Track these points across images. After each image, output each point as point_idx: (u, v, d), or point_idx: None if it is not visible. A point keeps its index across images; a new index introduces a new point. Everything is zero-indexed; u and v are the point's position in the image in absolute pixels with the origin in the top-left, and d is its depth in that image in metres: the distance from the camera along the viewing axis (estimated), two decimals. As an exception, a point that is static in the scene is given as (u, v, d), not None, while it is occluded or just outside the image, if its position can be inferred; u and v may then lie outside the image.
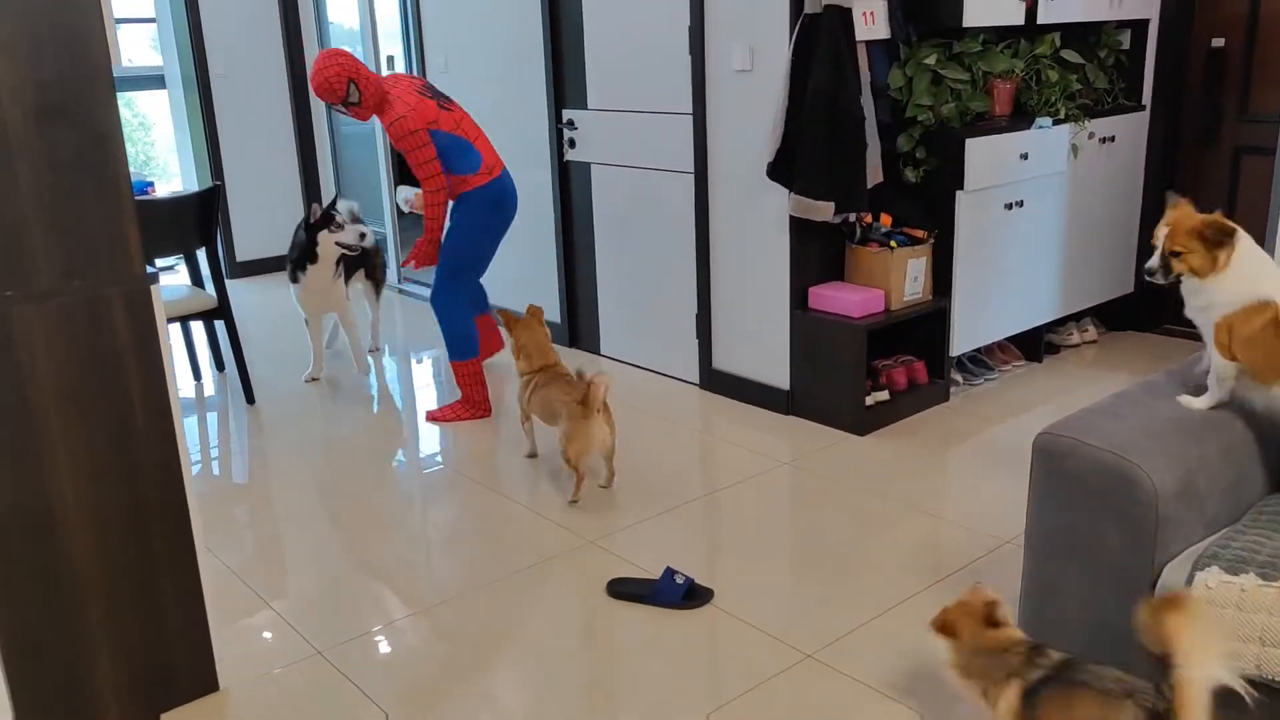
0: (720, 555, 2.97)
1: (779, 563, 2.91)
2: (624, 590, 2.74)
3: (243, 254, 6.59)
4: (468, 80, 5.16)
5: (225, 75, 6.36)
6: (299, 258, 4.30)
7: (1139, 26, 4.46)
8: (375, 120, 6.11)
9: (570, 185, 4.75)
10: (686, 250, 4.24)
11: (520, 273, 5.13)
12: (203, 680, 2.35)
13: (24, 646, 2.07)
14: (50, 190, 1.93)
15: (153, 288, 2.08)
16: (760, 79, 3.75)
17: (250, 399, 4.34)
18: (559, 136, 4.70)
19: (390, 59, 7.71)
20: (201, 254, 4.61)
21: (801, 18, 3.52)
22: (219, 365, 4.81)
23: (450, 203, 3.91)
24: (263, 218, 6.62)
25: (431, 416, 4.08)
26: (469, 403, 4.05)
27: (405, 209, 4.26)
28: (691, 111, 4.04)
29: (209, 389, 4.60)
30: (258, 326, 5.50)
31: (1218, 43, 4.42)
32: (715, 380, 4.24)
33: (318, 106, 6.65)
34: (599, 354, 4.81)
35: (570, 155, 4.69)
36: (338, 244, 4.28)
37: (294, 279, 4.34)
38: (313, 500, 3.42)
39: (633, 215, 4.47)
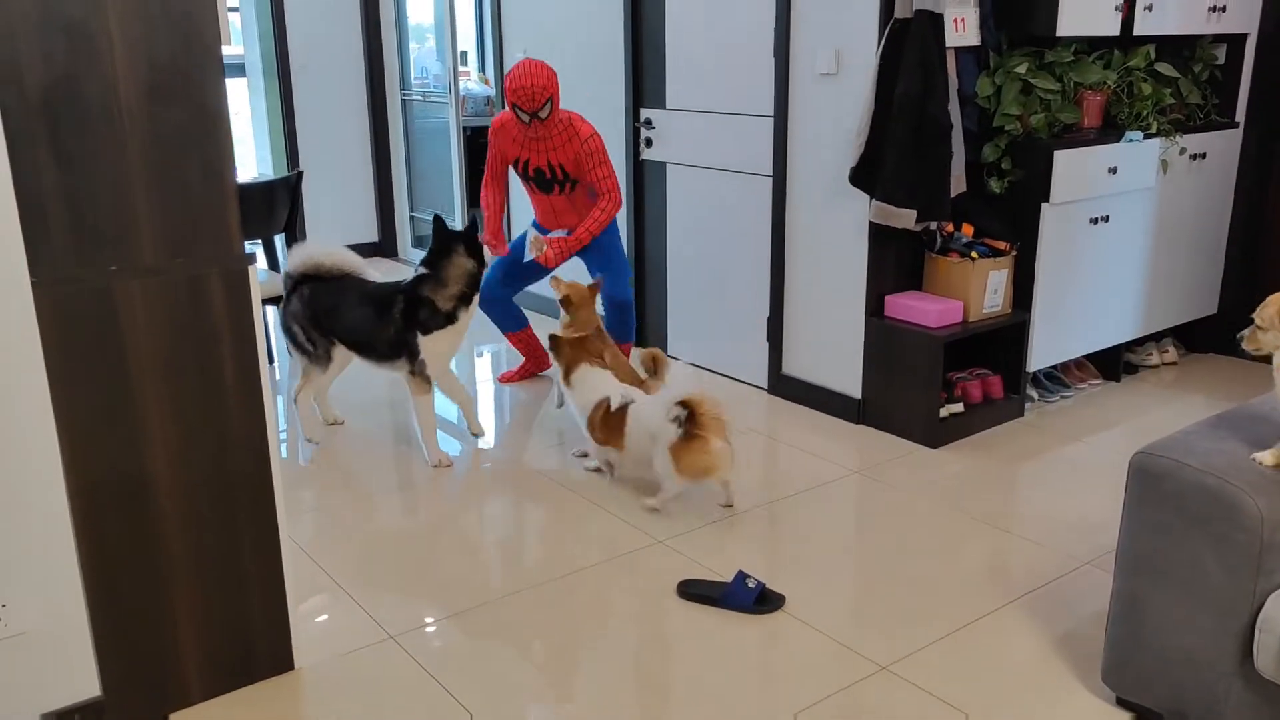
0: (790, 561, 2.93)
1: (850, 572, 2.87)
2: (695, 592, 2.72)
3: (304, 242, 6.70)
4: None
5: (305, 66, 6.46)
6: (430, 315, 3.49)
7: (1236, 41, 4.34)
8: (451, 119, 6.17)
9: (644, 184, 4.74)
10: (760, 253, 4.21)
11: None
12: (280, 658, 2.37)
13: (113, 615, 2.11)
14: (158, 169, 1.97)
15: (250, 268, 2.11)
16: (845, 83, 3.71)
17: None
18: (635, 135, 4.70)
19: (464, 54, 7.79)
20: (279, 241, 4.69)
21: (891, 22, 3.48)
22: (269, 357, 4.87)
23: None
24: (334, 210, 6.71)
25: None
26: None
27: (534, 254, 4.04)
28: (773, 114, 4.01)
29: (278, 373, 4.67)
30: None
31: (1318, 60, 4.28)
32: (784, 386, 4.20)
33: (394, 102, 6.72)
34: (666, 353, 4.78)
35: (646, 154, 4.68)
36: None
37: (425, 330, 3.50)
38: (376, 486, 3.45)
39: (707, 216, 4.45)
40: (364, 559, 2.96)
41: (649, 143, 4.65)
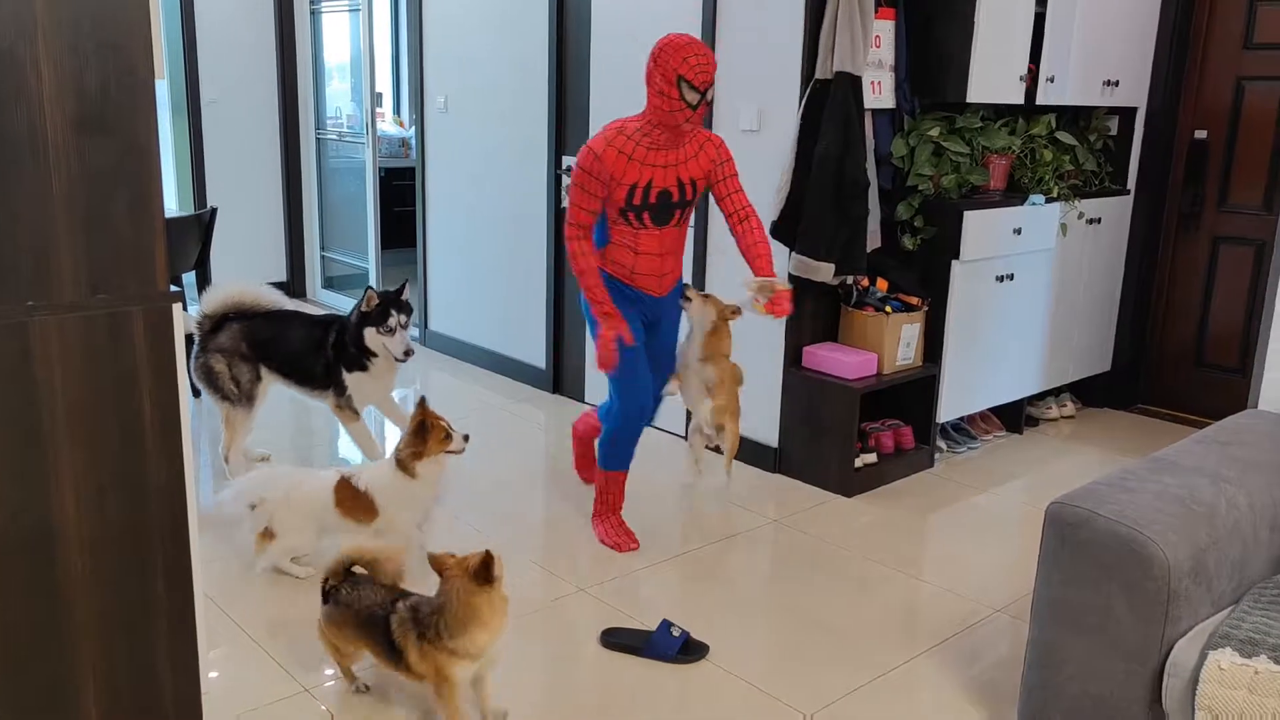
0: (712, 610, 2.94)
1: (772, 620, 2.90)
2: (618, 641, 2.70)
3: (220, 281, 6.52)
4: (466, 122, 5.18)
5: (216, 101, 6.33)
6: (356, 356, 3.55)
7: (1127, 114, 4.61)
8: (368, 159, 6.12)
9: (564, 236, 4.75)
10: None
11: (506, 316, 5.12)
12: (188, 711, 2.26)
13: (8, 663, 1.99)
14: (83, 201, 1.90)
15: (175, 306, 2.05)
16: (768, 139, 3.81)
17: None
18: (557, 183, 4.72)
19: (379, 96, 7.76)
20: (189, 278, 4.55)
21: (812, 82, 3.60)
22: (195, 392, 4.71)
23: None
24: (243, 249, 6.55)
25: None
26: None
27: (761, 302, 3.07)
28: (695, 167, 4.08)
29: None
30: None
31: (1200, 134, 4.58)
32: (702, 434, 4.23)
33: (308, 140, 6.63)
34: (583, 401, 4.79)
35: (567, 204, 4.70)
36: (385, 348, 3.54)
37: (349, 368, 3.58)
38: (295, 533, 3.35)
39: (627, 265, 4.48)
40: (276, 607, 2.86)
41: (571, 190, 4.67)
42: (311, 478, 3.00)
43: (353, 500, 2.93)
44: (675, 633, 2.66)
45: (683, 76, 2.86)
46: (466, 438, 2.95)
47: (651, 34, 4.18)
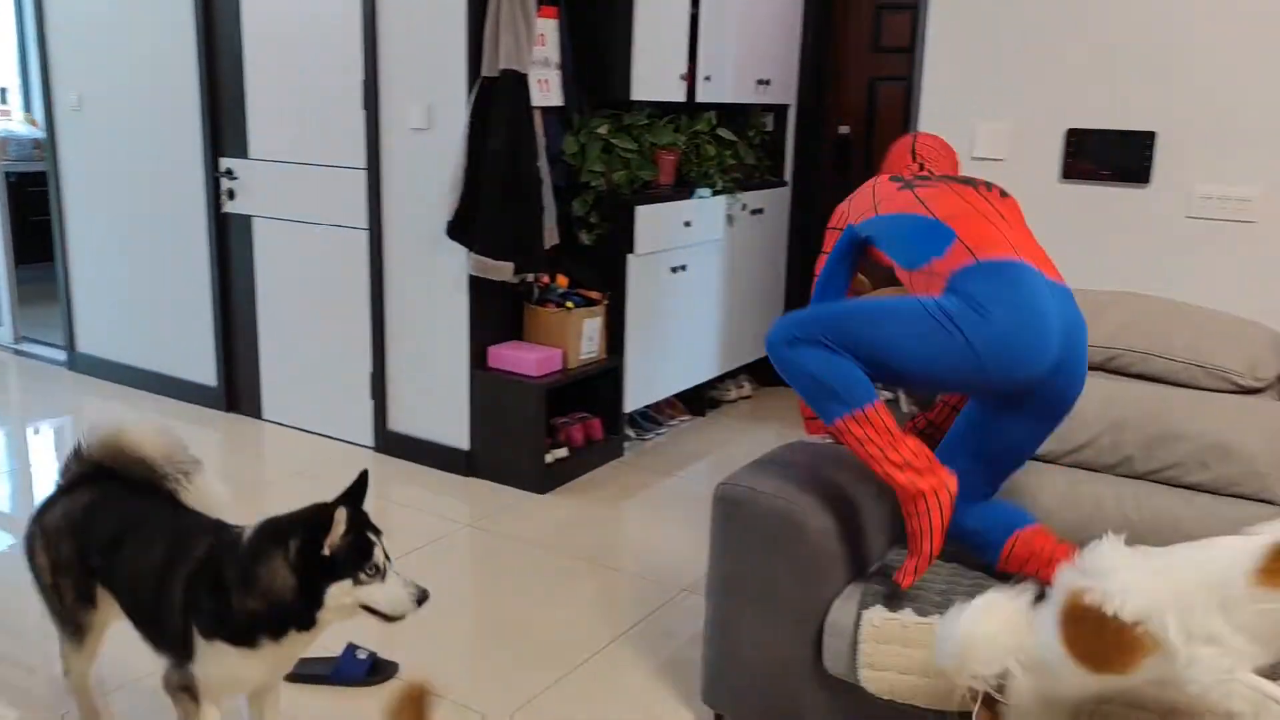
0: (402, 626, 2.83)
1: (465, 628, 2.84)
2: (303, 671, 2.54)
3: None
4: (106, 122, 4.69)
5: None
6: (270, 613, 1.86)
7: (781, 111, 4.94)
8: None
9: (229, 239, 4.44)
10: (360, 309, 4.09)
11: (167, 331, 4.70)
12: None
13: None
14: None
15: None
16: (438, 138, 3.73)
17: None
18: (215, 186, 4.39)
19: (3, 92, 6.88)
20: None
21: (480, 80, 3.56)
22: None
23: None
24: None
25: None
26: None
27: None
28: (366, 167, 3.93)
29: None
30: None
31: (844, 130, 4.99)
32: (391, 443, 4.10)
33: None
34: (261, 418, 4.49)
35: (229, 207, 4.39)
36: (367, 608, 1.90)
37: (214, 632, 1.90)
38: (-92, 599, 2.87)
39: (301, 271, 4.25)
40: (-119, 690, 2.44)
41: (231, 194, 4.36)
42: None
43: None
44: (361, 655, 2.54)
45: (924, 161, 2.49)
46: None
47: (309, 32, 3.97)
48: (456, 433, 3.93)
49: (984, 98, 2.82)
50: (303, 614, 1.85)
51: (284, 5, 4.03)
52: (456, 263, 3.76)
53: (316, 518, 1.83)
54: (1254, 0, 2.46)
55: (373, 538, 1.87)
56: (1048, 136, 2.75)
